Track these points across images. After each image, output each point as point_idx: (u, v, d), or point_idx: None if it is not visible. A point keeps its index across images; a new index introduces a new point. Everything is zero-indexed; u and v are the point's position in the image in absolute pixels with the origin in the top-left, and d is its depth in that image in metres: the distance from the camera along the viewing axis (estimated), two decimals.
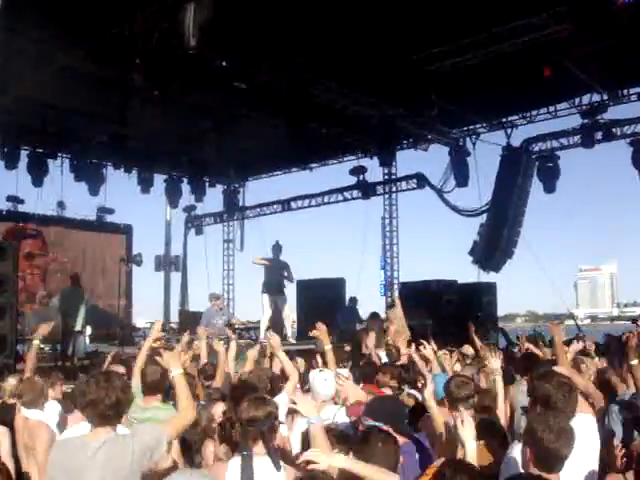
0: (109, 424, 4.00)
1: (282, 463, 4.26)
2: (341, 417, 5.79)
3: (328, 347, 7.39)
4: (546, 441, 3.56)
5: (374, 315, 13.94)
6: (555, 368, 5.37)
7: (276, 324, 15.35)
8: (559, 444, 3.57)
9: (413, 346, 7.79)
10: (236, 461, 4.27)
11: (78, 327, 14.62)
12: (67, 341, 14.34)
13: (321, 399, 6.00)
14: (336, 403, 6.14)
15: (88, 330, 15.92)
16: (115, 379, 4.08)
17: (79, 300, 15.00)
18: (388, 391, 7.17)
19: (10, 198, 21.18)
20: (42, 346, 13.89)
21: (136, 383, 5.90)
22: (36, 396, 6.21)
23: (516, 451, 3.96)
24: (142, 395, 5.80)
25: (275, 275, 15.56)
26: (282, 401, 5.96)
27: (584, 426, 3.73)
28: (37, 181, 19.96)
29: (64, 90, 15.23)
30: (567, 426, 3.63)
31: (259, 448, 4.29)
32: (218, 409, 5.84)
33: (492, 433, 4.67)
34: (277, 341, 6.97)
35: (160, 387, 5.81)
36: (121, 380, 4.16)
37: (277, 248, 15.94)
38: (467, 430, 3.99)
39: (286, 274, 15.66)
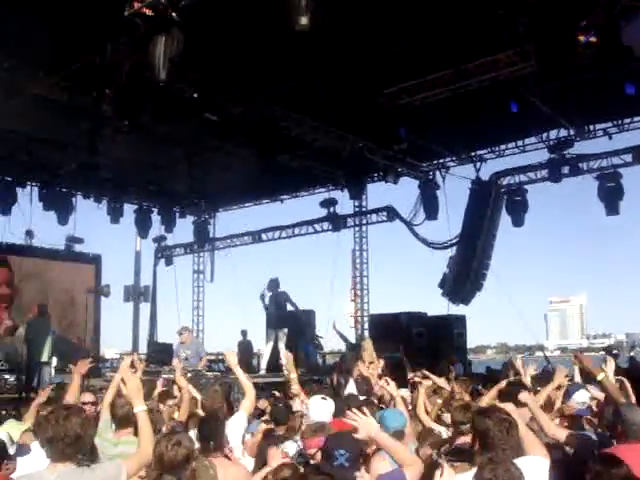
0: (69, 460, 3.93)
1: None
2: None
3: (293, 376, 7.41)
4: None
5: (352, 345, 14.15)
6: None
7: (274, 355, 16.36)
8: None
9: (383, 380, 7.73)
10: None
11: (44, 358, 14.43)
12: (32, 372, 14.13)
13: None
14: None
15: (54, 361, 15.69)
16: (74, 415, 4.00)
17: (45, 330, 14.82)
18: None
19: None
20: (6, 377, 13.74)
21: (105, 417, 5.80)
22: None
23: None
24: (112, 429, 5.70)
25: (273, 309, 16.56)
26: (240, 419, 5.96)
27: (531, 469, 3.68)
28: (5, 210, 19.72)
29: (34, 118, 15.12)
30: (516, 472, 3.58)
31: None
32: None
33: None
34: (234, 358, 6.79)
35: (131, 420, 5.68)
36: (80, 416, 4.08)
37: (273, 282, 16.63)
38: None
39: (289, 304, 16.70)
